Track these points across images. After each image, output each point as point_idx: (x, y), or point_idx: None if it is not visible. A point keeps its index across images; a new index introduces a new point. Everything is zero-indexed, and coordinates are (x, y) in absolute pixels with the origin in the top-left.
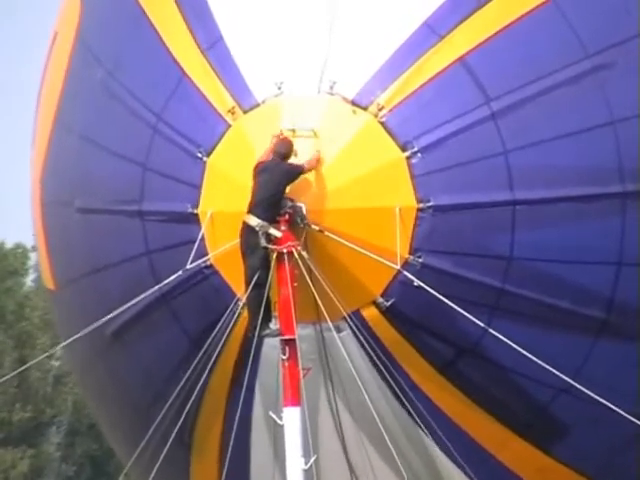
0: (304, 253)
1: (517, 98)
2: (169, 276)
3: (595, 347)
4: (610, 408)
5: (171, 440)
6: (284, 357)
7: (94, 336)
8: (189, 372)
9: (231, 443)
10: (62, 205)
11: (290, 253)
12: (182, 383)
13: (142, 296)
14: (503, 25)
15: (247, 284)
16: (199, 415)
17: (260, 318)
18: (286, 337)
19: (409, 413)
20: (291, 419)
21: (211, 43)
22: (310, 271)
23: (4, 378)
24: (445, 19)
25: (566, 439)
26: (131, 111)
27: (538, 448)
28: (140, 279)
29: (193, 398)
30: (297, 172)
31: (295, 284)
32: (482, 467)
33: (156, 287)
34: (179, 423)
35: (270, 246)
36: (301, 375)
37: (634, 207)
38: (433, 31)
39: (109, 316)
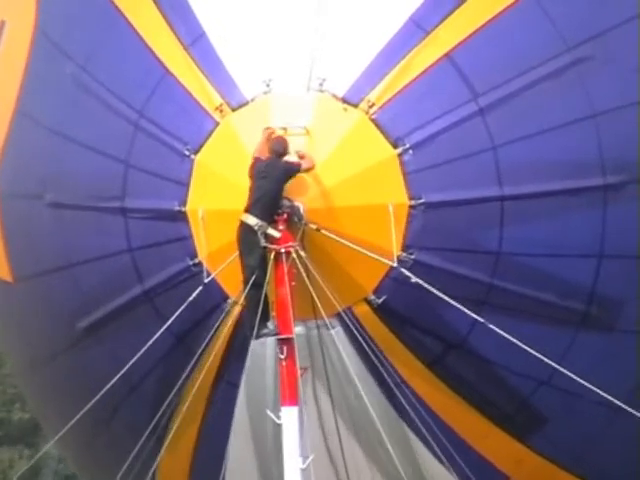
0: (302, 252)
1: (503, 93)
2: (154, 273)
3: (576, 339)
4: (590, 398)
5: (143, 432)
6: (282, 356)
7: (60, 331)
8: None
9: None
10: (27, 198)
11: (288, 253)
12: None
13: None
14: (486, 20)
15: (245, 284)
16: (178, 409)
17: (258, 317)
18: (284, 336)
19: (396, 408)
20: (289, 418)
21: (193, 39)
22: (307, 270)
23: None
24: (430, 15)
25: (544, 430)
26: (108, 107)
27: (517, 439)
28: (121, 276)
29: (174, 392)
30: (295, 169)
31: (293, 283)
32: (463, 459)
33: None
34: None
35: (270, 245)
36: (299, 374)
37: (615, 199)
38: (419, 27)
39: None
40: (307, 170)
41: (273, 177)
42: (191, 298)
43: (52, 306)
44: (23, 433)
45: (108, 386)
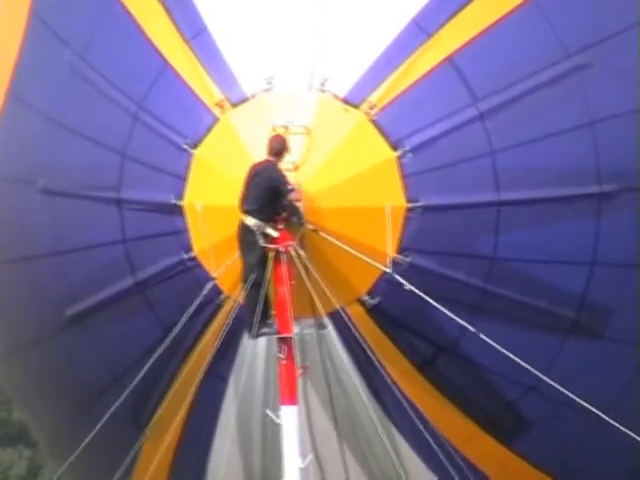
0: (301, 252)
1: (503, 99)
2: (147, 265)
3: (565, 345)
4: (576, 404)
5: (126, 421)
6: (281, 356)
7: (46, 317)
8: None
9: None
10: (16, 182)
11: (287, 252)
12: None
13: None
14: (488, 24)
15: (244, 283)
16: (164, 401)
17: (258, 316)
18: (283, 335)
19: (384, 408)
20: (289, 418)
21: (195, 33)
22: (305, 269)
23: None
24: (432, 17)
25: (528, 435)
26: (107, 97)
27: (501, 443)
28: (113, 266)
29: (160, 384)
30: (280, 187)
31: (292, 282)
32: (448, 461)
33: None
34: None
35: (268, 245)
36: (299, 374)
37: (609, 208)
38: (421, 29)
39: None
40: (296, 200)
41: (261, 182)
42: (195, 304)
43: (39, 291)
44: (22, 433)
45: (117, 404)
